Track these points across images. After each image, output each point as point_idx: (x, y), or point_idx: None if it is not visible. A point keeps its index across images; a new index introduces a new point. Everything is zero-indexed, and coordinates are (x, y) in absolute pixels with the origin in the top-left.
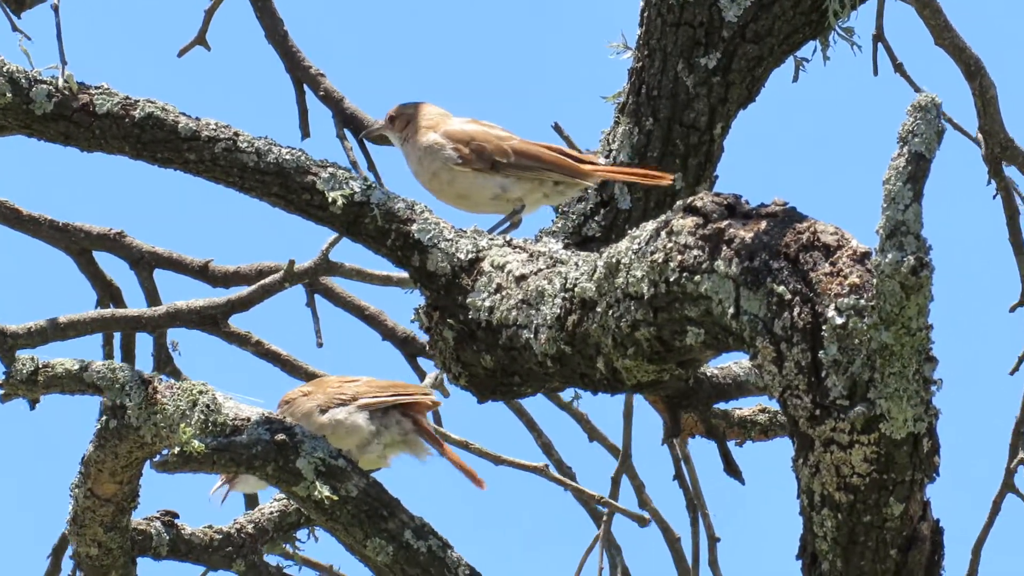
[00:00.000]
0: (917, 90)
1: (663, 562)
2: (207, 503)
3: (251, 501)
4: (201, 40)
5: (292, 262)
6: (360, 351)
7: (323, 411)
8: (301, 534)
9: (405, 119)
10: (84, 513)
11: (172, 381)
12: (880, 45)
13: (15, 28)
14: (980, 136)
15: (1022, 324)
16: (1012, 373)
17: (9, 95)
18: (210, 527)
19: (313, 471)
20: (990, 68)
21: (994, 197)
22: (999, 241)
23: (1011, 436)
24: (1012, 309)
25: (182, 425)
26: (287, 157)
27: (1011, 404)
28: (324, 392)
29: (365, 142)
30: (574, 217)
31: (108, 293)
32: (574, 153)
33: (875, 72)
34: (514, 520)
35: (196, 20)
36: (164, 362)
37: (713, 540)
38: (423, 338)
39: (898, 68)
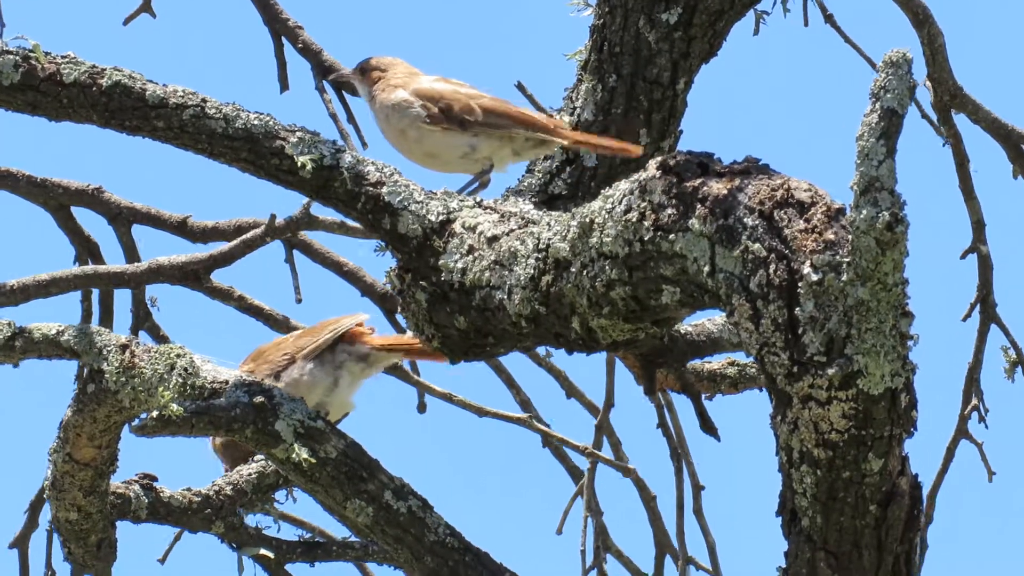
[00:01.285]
0: (847, 41)
1: (639, 521)
2: (185, 466)
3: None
4: (147, 7)
5: (273, 216)
6: (339, 307)
7: (276, 376)
8: (279, 495)
9: (375, 74)
10: (63, 478)
11: (150, 344)
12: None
13: None
14: (928, 84)
15: (973, 270)
16: (964, 319)
17: None
18: (188, 490)
19: (292, 433)
20: (936, 16)
21: (944, 145)
22: (949, 188)
23: (964, 383)
24: (963, 255)
25: (160, 388)
26: (255, 122)
27: (964, 351)
28: (267, 362)
29: (345, 94)
30: (540, 175)
31: (87, 249)
32: (543, 116)
33: (805, 23)
34: (495, 477)
35: None
36: (143, 318)
37: (698, 488)
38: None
39: (828, 19)
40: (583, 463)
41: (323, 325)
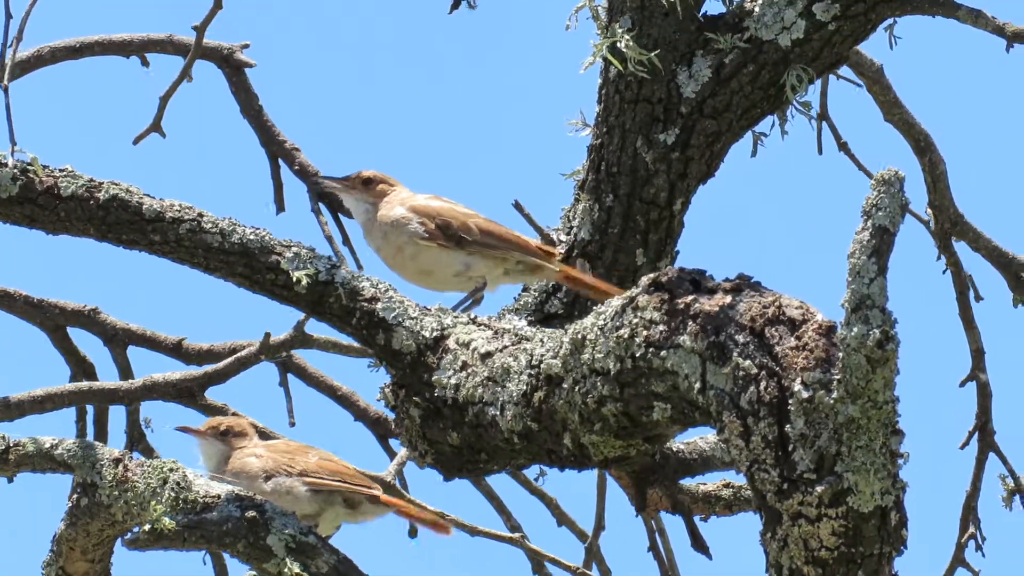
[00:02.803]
0: (860, 168)
1: None
2: None
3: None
4: (156, 127)
5: (268, 335)
6: (332, 431)
7: (268, 478)
8: None
9: (381, 187)
10: None
11: (143, 459)
12: (825, 124)
13: None
14: (930, 212)
15: (972, 398)
16: (962, 447)
17: None
18: None
19: (284, 548)
20: (938, 145)
21: (944, 272)
22: (948, 315)
23: (961, 511)
24: (962, 384)
25: (152, 503)
26: (251, 237)
27: (961, 479)
28: (273, 458)
29: (341, 216)
30: (536, 294)
31: (82, 369)
32: (536, 243)
33: (819, 151)
34: None
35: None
36: (137, 439)
37: None
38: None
39: (843, 147)
40: None
41: (344, 473)
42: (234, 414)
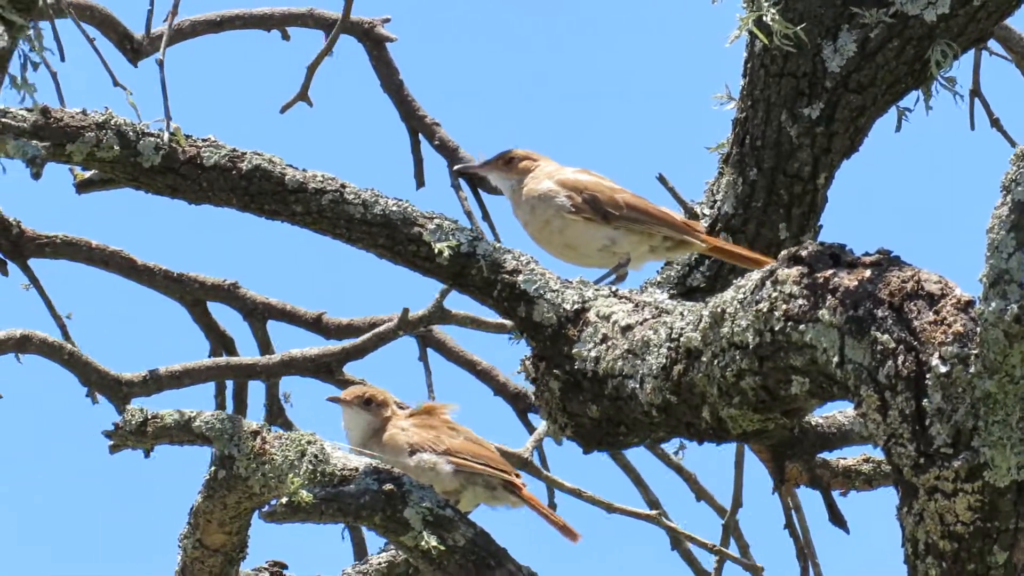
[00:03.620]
0: (1014, 145)
1: None
2: (315, 553)
3: (359, 551)
4: (303, 96)
5: (406, 310)
6: (471, 405)
7: (412, 453)
8: None
9: (525, 164)
10: (192, 564)
11: (280, 431)
12: (977, 100)
13: (116, 83)
14: None
15: None
16: None
17: (117, 148)
18: None
19: (421, 521)
20: None
21: None
22: None
23: None
24: None
25: (290, 475)
26: (394, 208)
27: None
28: (420, 434)
29: (480, 191)
30: (679, 267)
31: (221, 343)
32: (683, 218)
33: (972, 127)
34: (625, 569)
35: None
36: (276, 413)
37: None
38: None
39: (995, 123)
40: (710, 564)
41: (490, 456)
42: (361, 381)
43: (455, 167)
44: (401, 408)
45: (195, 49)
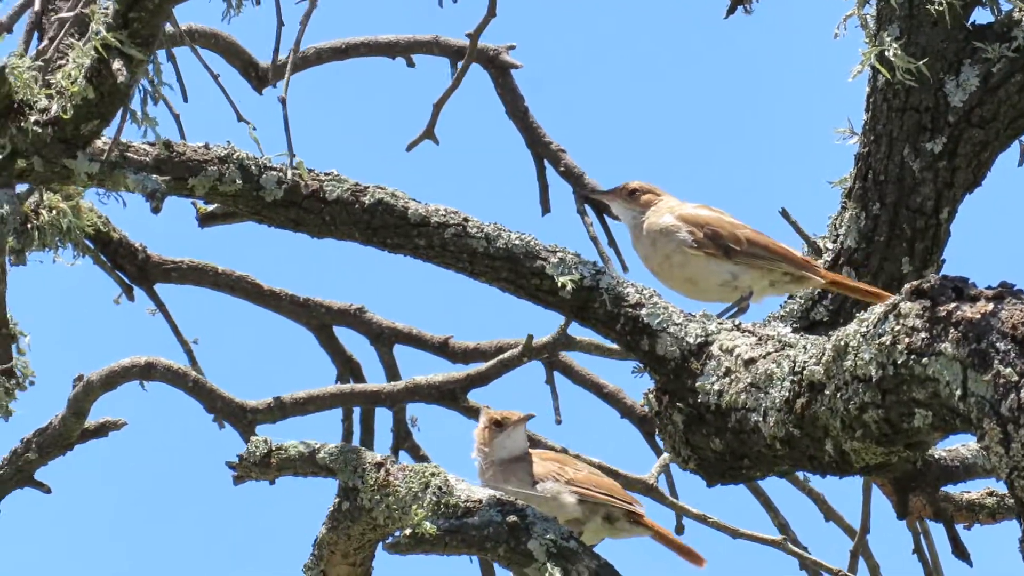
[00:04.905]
0: None
1: None
2: None
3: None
4: (430, 133)
5: (531, 337)
6: (598, 428)
7: (536, 483)
8: None
9: (647, 197)
10: None
11: (404, 463)
12: None
13: (240, 118)
14: None
15: None
16: None
17: (239, 182)
18: None
19: (544, 552)
20: None
21: None
22: None
23: None
24: None
25: (414, 507)
26: (516, 242)
27: None
28: (544, 464)
29: (606, 217)
30: (802, 301)
31: (348, 368)
32: (802, 254)
33: None
34: None
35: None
36: (403, 437)
37: None
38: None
39: None
40: None
41: (611, 488)
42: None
43: (581, 191)
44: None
45: (319, 76)
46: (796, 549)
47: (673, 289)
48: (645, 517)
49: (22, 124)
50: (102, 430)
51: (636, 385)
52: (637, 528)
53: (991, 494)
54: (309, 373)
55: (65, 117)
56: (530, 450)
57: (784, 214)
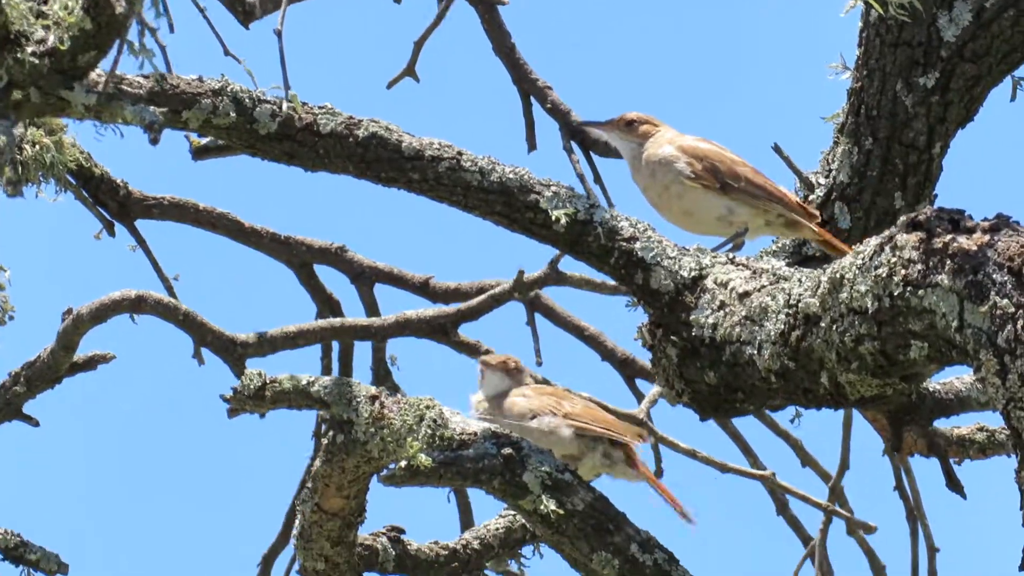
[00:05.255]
0: None
1: None
2: (433, 519)
3: (464, 514)
4: (411, 71)
5: (521, 272)
6: (578, 370)
7: (532, 417)
8: (526, 551)
9: (645, 128)
10: (311, 528)
11: (398, 396)
12: None
13: (227, 52)
14: None
15: None
16: None
17: (233, 115)
18: (436, 543)
19: (539, 485)
20: None
21: None
22: None
23: None
24: None
25: (409, 439)
26: (510, 176)
27: None
28: (540, 399)
29: (592, 154)
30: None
31: (328, 306)
32: (798, 200)
33: None
34: (730, 535)
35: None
36: (383, 376)
37: (932, 551)
38: (642, 360)
39: None
40: (815, 530)
41: (607, 421)
42: (487, 351)
43: (578, 121)
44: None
45: (303, 11)
46: (784, 483)
47: (670, 221)
48: (639, 462)
49: (18, 55)
50: (91, 363)
51: (618, 328)
52: (633, 472)
53: (981, 429)
54: (289, 311)
55: (62, 48)
56: (529, 385)
57: (777, 149)
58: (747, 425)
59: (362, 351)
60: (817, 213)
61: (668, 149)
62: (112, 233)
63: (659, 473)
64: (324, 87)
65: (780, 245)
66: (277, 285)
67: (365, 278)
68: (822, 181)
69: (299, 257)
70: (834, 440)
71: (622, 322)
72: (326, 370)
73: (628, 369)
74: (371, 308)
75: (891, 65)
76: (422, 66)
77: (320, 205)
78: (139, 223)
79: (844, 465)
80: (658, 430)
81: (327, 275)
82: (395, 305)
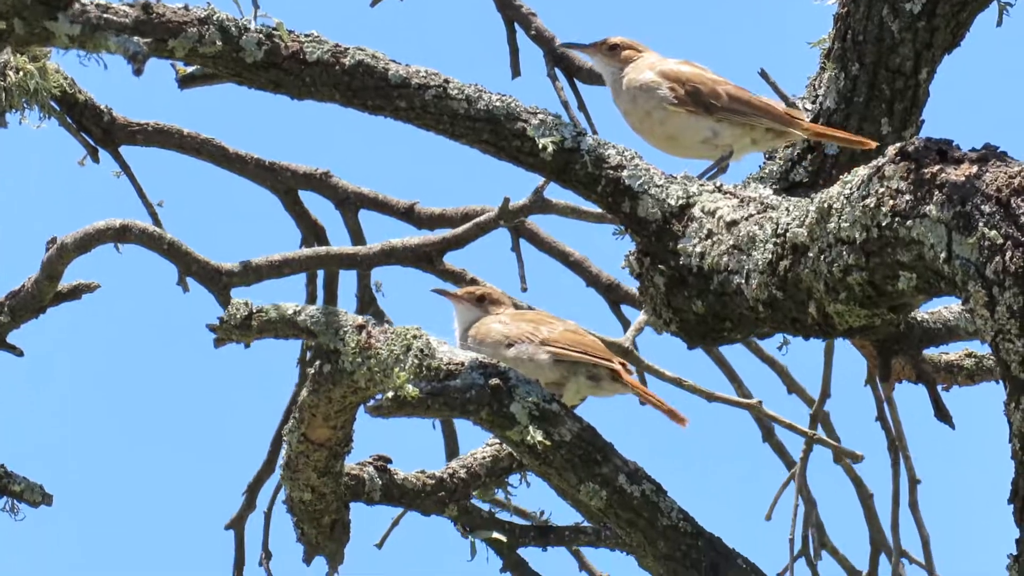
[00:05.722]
0: None
1: (852, 517)
2: (420, 448)
3: (450, 444)
4: None
5: (507, 200)
6: (564, 296)
7: (510, 345)
8: (513, 479)
9: (627, 53)
10: (298, 458)
11: (386, 326)
12: None
13: None
14: None
15: None
16: None
17: (219, 43)
18: (423, 472)
19: (527, 415)
20: None
21: None
22: None
23: None
24: None
25: (396, 370)
26: (497, 104)
27: None
28: (517, 325)
29: (576, 81)
30: (781, 163)
31: (313, 232)
32: (783, 107)
33: None
34: (710, 464)
35: None
36: (368, 303)
37: (914, 482)
38: (627, 285)
39: None
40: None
41: (586, 344)
42: (472, 280)
43: (560, 44)
44: (517, 307)
45: None
46: (770, 412)
47: (653, 146)
48: (625, 374)
49: None
50: (75, 293)
51: (603, 254)
52: (619, 386)
53: (970, 355)
54: (274, 237)
55: None
56: (509, 311)
57: (763, 75)
58: (733, 351)
59: (347, 278)
60: (803, 117)
61: (649, 75)
62: (96, 159)
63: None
64: (309, 11)
65: (767, 171)
66: (262, 211)
67: (350, 204)
68: (809, 106)
69: (284, 183)
70: (821, 367)
71: (607, 249)
72: (311, 297)
73: (613, 294)
74: (355, 234)
75: None
76: None
77: (305, 131)
78: (123, 149)
79: (825, 393)
80: (644, 358)
81: (312, 201)
82: (380, 231)
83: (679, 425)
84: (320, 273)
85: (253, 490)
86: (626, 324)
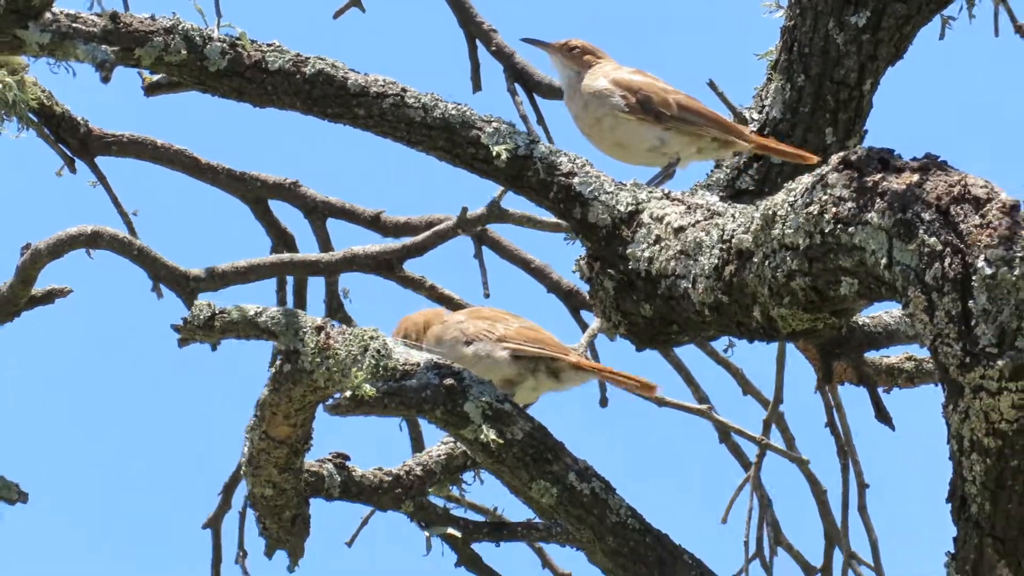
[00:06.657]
0: None
1: (805, 515)
2: (377, 446)
3: (417, 444)
4: (355, 2)
5: (465, 209)
6: (525, 303)
7: (468, 343)
8: (467, 476)
9: (588, 58)
10: (259, 455)
11: (344, 327)
12: (1001, 7)
13: None
14: None
15: None
16: None
17: (184, 52)
18: (380, 469)
19: (480, 415)
20: None
21: None
22: None
23: None
24: None
25: (354, 370)
26: (452, 112)
27: None
28: (474, 323)
29: (536, 96)
30: (728, 170)
31: (282, 241)
32: (730, 119)
33: (996, 33)
34: (668, 465)
35: None
36: (336, 308)
37: (862, 486)
38: (586, 292)
39: (1019, 29)
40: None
41: (543, 340)
42: (431, 286)
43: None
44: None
45: None
46: (719, 417)
47: (602, 151)
48: (585, 362)
49: None
50: (48, 297)
51: (563, 261)
52: (583, 374)
53: (910, 359)
54: (245, 245)
55: None
56: (463, 309)
57: (712, 85)
58: (688, 353)
59: (316, 285)
60: (749, 130)
61: (603, 82)
62: (73, 170)
63: (603, 403)
64: (271, 21)
65: (714, 179)
66: (233, 220)
67: (318, 213)
68: (755, 116)
69: (254, 192)
70: (773, 369)
71: (565, 257)
72: (281, 303)
73: (573, 300)
74: (324, 242)
75: (823, 4)
76: (370, 6)
77: (274, 141)
78: (99, 160)
79: (778, 399)
80: (598, 364)
81: (281, 210)
82: (348, 239)
83: (649, 395)
84: (290, 280)
85: (229, 490)
86: (585, 329)
